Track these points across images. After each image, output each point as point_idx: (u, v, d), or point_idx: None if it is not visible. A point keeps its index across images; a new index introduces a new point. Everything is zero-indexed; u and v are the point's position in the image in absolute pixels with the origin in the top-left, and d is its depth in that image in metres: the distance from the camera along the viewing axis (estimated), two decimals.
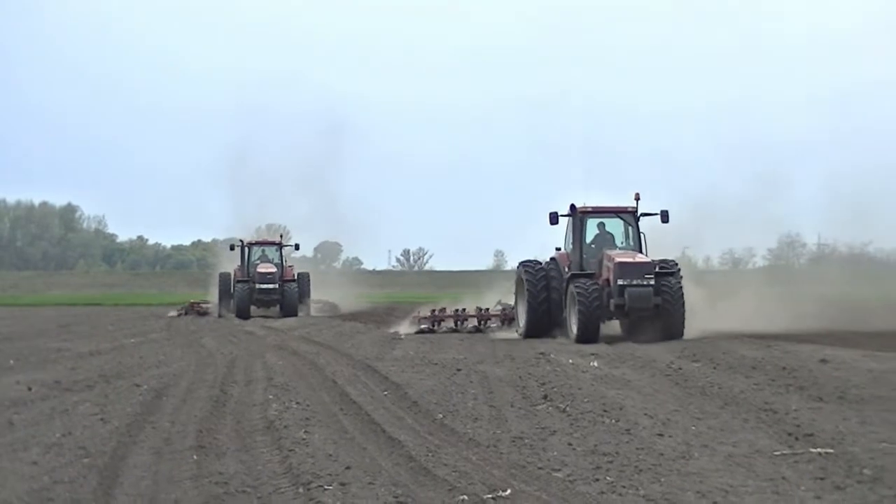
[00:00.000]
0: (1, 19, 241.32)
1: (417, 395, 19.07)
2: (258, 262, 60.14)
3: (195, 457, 13.87)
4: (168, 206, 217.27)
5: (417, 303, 57.13)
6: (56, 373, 24.85)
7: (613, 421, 15.88)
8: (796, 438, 14.12)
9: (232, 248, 62.41)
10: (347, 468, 12.84)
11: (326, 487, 11.79)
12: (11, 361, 28.59)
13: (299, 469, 12.84)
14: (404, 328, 42.48)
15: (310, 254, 69.17)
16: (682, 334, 33.79)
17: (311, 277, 62.79)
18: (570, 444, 14.18)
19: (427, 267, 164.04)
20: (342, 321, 51.85)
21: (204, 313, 61.10)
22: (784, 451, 13.31)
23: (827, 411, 16.16)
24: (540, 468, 12.74)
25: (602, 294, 34.02)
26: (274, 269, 59.07)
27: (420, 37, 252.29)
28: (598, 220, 37.44)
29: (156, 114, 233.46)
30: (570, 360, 25.94)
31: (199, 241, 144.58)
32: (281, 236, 63.70)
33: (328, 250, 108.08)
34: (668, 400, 18.11)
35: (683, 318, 34.09)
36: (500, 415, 16.86)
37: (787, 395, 17.95)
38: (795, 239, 75.00)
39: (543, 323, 36.79)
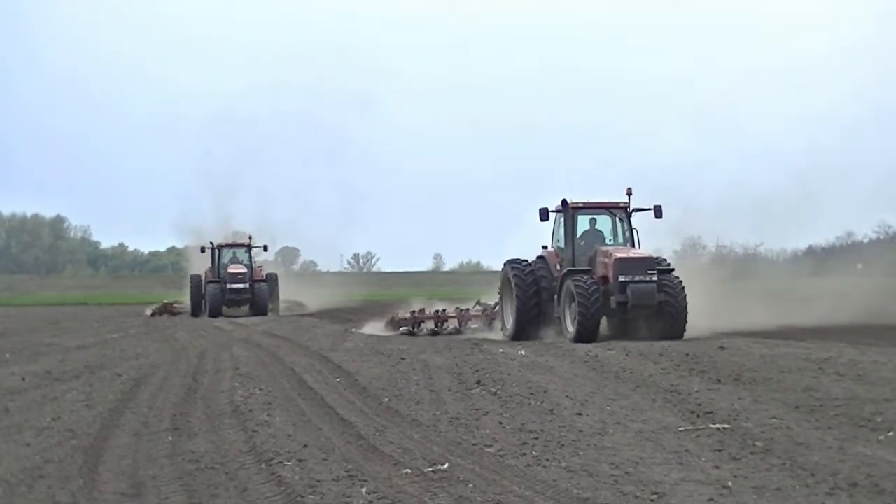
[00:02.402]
0: None
1: (366, 382, 19.04)
2: (228, 263, 57.22)
3: (170, 438, 13.82)
4: (146, 216, 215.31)
5: (377, 301, 56.20)
6: (47, 364, 24.75)
7: (538, 402, 15.91)
8: (698, 416, 14.19)
9: (203, 250, 59.18)
10: (305, 446, 12.83)
11: (286, 463, 11.77)
12: (7, 355, 28.59)
13: (262, 448, 12.81)
14: (374, 328, 38.42)
15: (271, 258, 67.84)
16: (682, 334, 28.93)
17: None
18: (500, 423, 14.19)
19: (375, 269, 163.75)
20: (299, 318, 51.60)
21: (176, 313, 58.37)
22: (687, 427, 13.37)
23: (724, 392, 16.25)
24: (474, 444, 12.75)
25: (600, 291, 28.96)
26: (244, 270, 56.30)
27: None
28: (587, 217, 32.10)
29: (136, 133, 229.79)
30: (501, 350, 25.94)
31: (174, 247, 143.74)
32: (250, 238, 59.95)
33: (287, 254, 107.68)
34: (586, 383, 18.15)
35: (686, 317, 29.18)
36: (439, 398, 16.86)
37: (689, 378, 18.03)
38: (697, 242, 75.31)
39: (533, 323, 31.21)
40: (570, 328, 29.16)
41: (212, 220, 71.10)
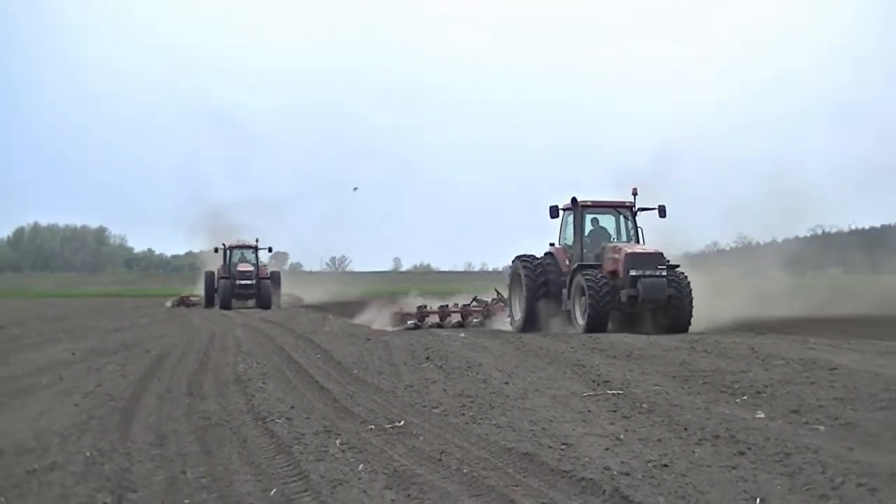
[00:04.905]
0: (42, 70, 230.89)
1: (340, 357, 18.98)
2: (238, 262, 54.54)
3: (187, 400, 13.75)
4: (170, 226, 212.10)
5: (368, 295, 54.55)
6: (91, 343, 24.77)
7: (474, 374, 15.91)
8: (598, 384, 14.22)
9: (216, 250, 56.60)
10: (292, 407, 12.78)
11: (277, 420, 11.74)
12: (61, 335, 28.74)
13: (259, 408, 12.76)
14: (371, 320, 35.03)
15: (266, 259, 66.20)
16: (688, 327, 25.22)
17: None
18: (444, 390, 14.17)
19: (348, 269, 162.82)
20: (289, 308, 51.31)
21: (191, 305, 56.10)
22: (590, 393, 13.40)
23: (619, 365, 16.30)
24: (424, 407, 12.73)
25: (610, 285, 25.20)
26: (251, 268, 53.77)
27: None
28: (591, 216, 27.79)
29: (165, 155, 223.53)
30: (446, 333, 25.99)
31: (191, 251, 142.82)
32: (257, 240, 56.90)
33: (278, 257, 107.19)
34: (512, 359, 18.16)
35: (691, 311, 25.37)
36: (397, 370, 16.82)
37: (592, 355, 18.08)
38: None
39: (541, 316, 27.01)
40: (581, 320, 25.44)
41: (223, 226, 68.91)
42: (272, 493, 8.34)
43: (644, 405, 12.17)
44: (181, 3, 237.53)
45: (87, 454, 9.89)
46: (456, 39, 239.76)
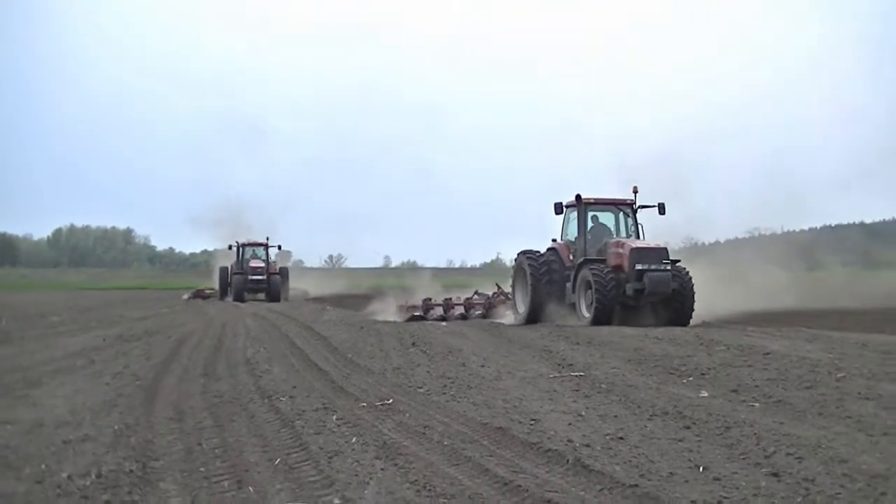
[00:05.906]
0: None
1: (337, 343, 18.95)
2: (250, 258, 52.69)
3: (202, 380, 13.72)
4: (187, 228, 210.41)
5: (371, 289, 53.63)
6: (119, 330, 24.64)
7: (455, 358, 15.90)
8: (563, 367, 14.24)
9: (230, 247, 55.14)
10: (294, 387, 12.76)
11: (281, 398, 11.73)
12: (93, 323, 28.53)
13: (265, 388, 12.74)
14: (379, 310, 32.95)
15: (274, 256, 65.04)
16: (689, 321, 22.85)
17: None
18: (428, 372, 14.18)
19: (343, 266, 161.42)
20: (294, 300, 51.10)
21: (207, 297, 54.61)
22: (555, 375, 13.42)
23: (581, 350, 16.32)
24: (410, 387, 12.72)
25: (615, 279, 22.82)
26: (262, 264, 51.85)
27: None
28: (591, 213, 25.10)
29: (184, 160, 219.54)
30: (430, 322, 25.94)
31: (206, 249, 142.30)
32: (267, 238, 54.61)
33: (282, 254, 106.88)
34: (488, 345, 18.16)
35: (693, 305, 23.01)
36: (387, 355, 16.80)
37: (557, 342, 18.09)
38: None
39: (543, 309, 24.45)
40: (586, 313, 23.11)
41: (236, 226, 67.72)
42: (277, 462, 8.33)
43: (603, 385, 12.20)
44: (203, 15, 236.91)
45: (116, 427, 9.86)
46: (450, 51, 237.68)
